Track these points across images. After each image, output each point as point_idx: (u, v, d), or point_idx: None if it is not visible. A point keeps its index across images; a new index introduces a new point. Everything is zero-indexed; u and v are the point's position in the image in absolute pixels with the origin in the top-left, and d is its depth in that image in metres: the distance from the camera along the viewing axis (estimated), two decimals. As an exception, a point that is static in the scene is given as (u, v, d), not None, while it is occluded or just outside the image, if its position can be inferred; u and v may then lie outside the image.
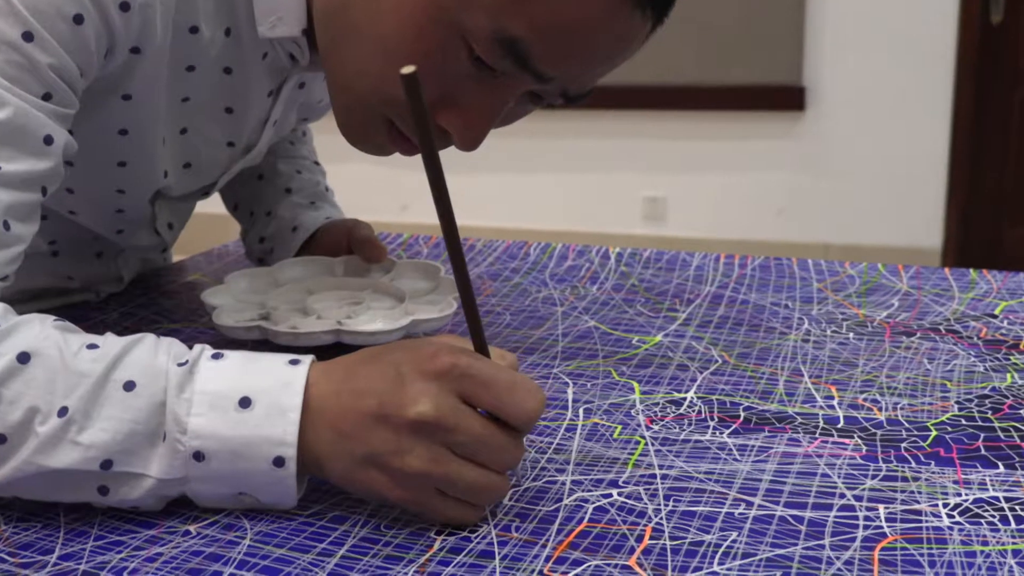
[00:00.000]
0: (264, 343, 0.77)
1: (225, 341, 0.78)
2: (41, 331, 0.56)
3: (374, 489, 0.55)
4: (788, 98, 3.53)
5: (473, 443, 0.53)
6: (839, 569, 0.51)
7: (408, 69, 0.47)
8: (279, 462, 0.54)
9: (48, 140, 0.61)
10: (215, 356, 0.57)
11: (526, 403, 0.54)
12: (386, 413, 0.53)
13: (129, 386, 0.55)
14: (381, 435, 0.53)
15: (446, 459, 0.53)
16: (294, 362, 0.57)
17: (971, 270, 1.03)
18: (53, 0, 0.60)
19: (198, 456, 0.54)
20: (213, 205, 1.07)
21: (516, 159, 3.82)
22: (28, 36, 0.59)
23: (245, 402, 0.55)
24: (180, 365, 0.56)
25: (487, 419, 0.54)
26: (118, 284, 1.00)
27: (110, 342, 0.57)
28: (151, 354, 0.56)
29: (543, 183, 3.92)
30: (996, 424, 0.68)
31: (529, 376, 0.77)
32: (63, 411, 0.54)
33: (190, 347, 0.58)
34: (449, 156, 0.70)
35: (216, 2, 0.70)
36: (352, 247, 0.95)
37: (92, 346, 0.56)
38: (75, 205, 0.83)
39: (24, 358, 0.54)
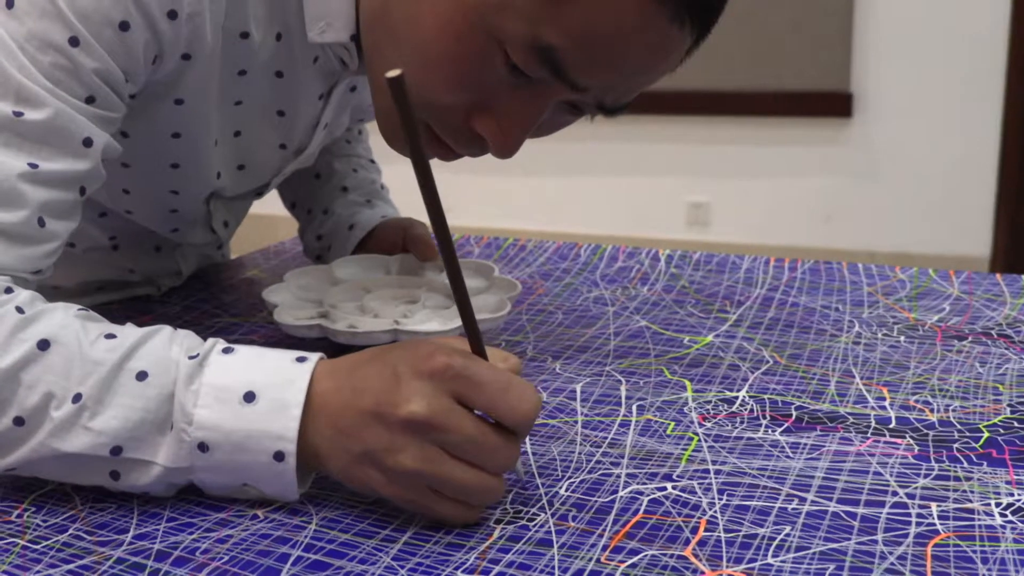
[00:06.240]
0: (319, 340, 0.79)
1: (284, 337, 0.81)
2: (63, 319, 0.58)
3: (369, 486, 0.56)
4: (835, 104, 3.51)
5: (465, 443, 0.54)
6: (892, 564, 0.52)
7: (393, 73, 0.47)
8: (279, 456, 0.56)
9: (88, 142, 0.63)
10: (226, 350, 0.58)
11: (520, 405, 0.54)
12: (381, 411, 0.54)
13: (141, 376, 0.57)
14: (376, 432, 0.54)
15: (439, 458, 0.54)
16: (301, 359, 0.58)
17: (1023, 276, 1.03)
18: (100, 6, 0.61)
19: (202, 447, 0.56)
20: (261, 206, 1.09)
21: (561, 163, 3.84)
22: (74, 41, 0.61)
23: (249, 396, 0.56)
24: (191, 358, 0.57)
25: (482, 421, 0.54)
26: (177, 278, 1.02)
27: (127, 332, 0.59)
28: (165, 346, 0.58)
29: (587, 187, 3.93)
30: (1049, 427, 0.68)
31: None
32: (77, 397, 0.56)
33: (205, 339, 0.60)
34: (495, 159, 0.71)
35: (267, 7, 0.72)
36: (407, 245, 0.97)
37: (110, 335, 0.58)
38: (131, 205, 0.85)
39: (44, 345, 0.56)
